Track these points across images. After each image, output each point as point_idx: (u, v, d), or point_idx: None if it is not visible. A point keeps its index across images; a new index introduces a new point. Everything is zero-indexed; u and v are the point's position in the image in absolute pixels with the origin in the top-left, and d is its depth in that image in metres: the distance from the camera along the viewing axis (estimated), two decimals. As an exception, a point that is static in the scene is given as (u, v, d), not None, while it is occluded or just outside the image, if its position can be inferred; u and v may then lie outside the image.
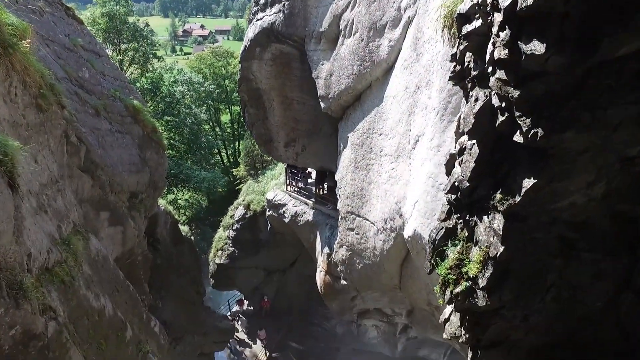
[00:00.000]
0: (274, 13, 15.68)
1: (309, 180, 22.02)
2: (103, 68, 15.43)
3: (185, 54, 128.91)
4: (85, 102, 12.45)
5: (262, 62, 17.29)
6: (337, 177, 14.81)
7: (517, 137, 3.55)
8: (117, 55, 38.71)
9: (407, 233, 10.62)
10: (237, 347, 26.03)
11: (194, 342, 17.26)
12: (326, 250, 16.97)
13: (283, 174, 23.71)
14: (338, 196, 14.88)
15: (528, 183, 3.59)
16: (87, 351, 6.60)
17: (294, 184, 22.45)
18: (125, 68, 40.09)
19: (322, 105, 14.74)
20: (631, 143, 3.27)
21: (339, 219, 15.06)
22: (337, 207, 15.30)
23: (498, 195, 3.94)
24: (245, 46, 17.42)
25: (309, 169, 21.91)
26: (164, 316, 15.50)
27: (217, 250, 27.23)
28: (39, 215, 7.06)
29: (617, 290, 4.17)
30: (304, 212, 20.31)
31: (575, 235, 3.97)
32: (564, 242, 4.04)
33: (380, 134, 12.08)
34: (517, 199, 3.71)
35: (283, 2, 15.17)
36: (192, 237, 28.68)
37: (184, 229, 24.27)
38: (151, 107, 37.29)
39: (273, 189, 23.69)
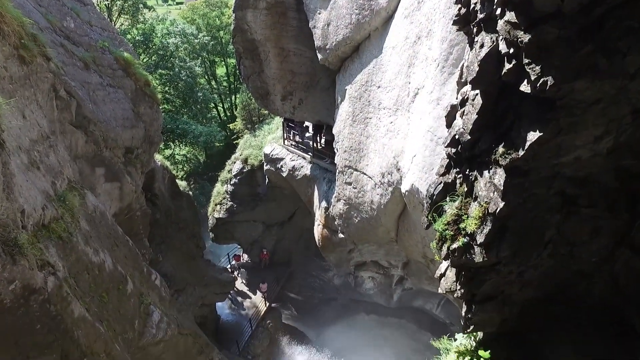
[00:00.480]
0: (268, -44, 14.78)
1: (307, 134, 21.76)
2: (89, 18, 14.73)
3: (178, 3, 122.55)
4: (73, 54, 11.98)
5: (256, 11, 16.51)
6: (334, 131, 14.58)
7: (524, 87, 3.32)
8: (105, 5, 36.95)
9: (404, 187, 10.60)
10: (238, 298, 26.84)
11: (195, 293, 17.77)
12: (324, 204, 17.06)
13: (280, 127, 23.39)
14: (335, 150, 14.73)
15: (533, 136, 3.39)
16: (89, 304, 6.73)
17: (291, 137, 22.21)
18: (114, 19, 38.40)
19: (320, 56, 14.23)
20: None
21: (337, 173, 15.01)
22: (335, 161, 15.20)
23: (500, 149, 3.75)
24: (239, -6, 16.57)
25: (307, 123, 21.58)
26: (165, 269, 15.84)
27: (216, 205, 27.43)
28: (31, 171, 6.95)
29: (614, 245, 4.13)
30: (302, 166, 20.25)
31: (577, 191, 3.86)
32: (565, 198, 3.94)
33: (379, 87, 11.74)
34: (521, 153, 3.52)
35: (277, -56, 14.25)
36: (191, 192, 28.81)
37: (182, 184, 24.32)
38: (144, 60, 36.13)
39: (270, 143, 23.47)
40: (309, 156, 20.18)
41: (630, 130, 3.36)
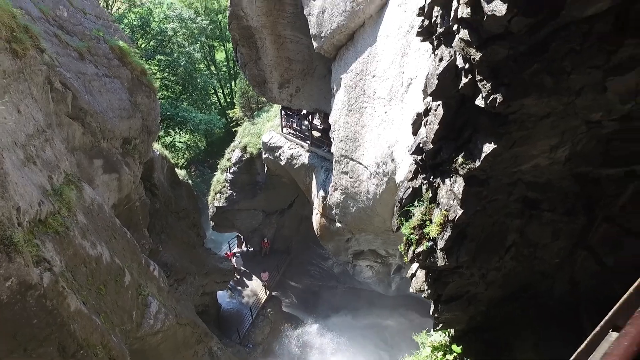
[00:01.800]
0: (263, -58, 14.52)
1: (305, 122, 21.70)
2: (83, 5, 14.60)
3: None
4: (67, 44, 11.94)
5: (252, -3, 16.31)
6: (330, 120, 14.55)
7: (479, 101, 3.40)
8: (102, -12, 36.47)
9: (398, 178, 10.64)
10: (237, 287, 27.05)
11: (195, 282, 17.95)
12: (321, 193, 17.13)
13: (278, 115, 23.32)
14: (332, 139, 14.72)
15: (488, 148, 3.51)
16: (86, 297, 6.89)
17: (289, 125, 22.15)
18: (111, 3, 37.92)
19: (315, 44, 14.09)
20: (593, 109, 3.14)
21: (333, 163, 15.03)
22: (332, 150, 15.21)
23: (460, 159, 3.88)
24: (234, -21, 16.35)
25: (304, 111, 21.50)
26: (165, 259, 16.02)
27: (216, 194, 27.54)
28: (27, 167, 7.04)
29: (573, 247, 4.26)
30: (300, 155, 20.24)
31: (538, 196, 3.98)
32: (526, 203, 4.05)
33: (374, 76, 11.67)
34: (477, 163, 3.66)
35: None
36: (191, 180, 28.85)
37: (181, 172, 24.36)
38: (142, 46, 35.81)
39: (268, 131, 23.41)
40: (307, 144, 20.14)
41: (586, 139, 3.44)
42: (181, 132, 40.22)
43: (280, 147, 21.49)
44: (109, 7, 37.72)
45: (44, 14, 11.56)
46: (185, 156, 45.34)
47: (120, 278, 8.54)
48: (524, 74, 3.02)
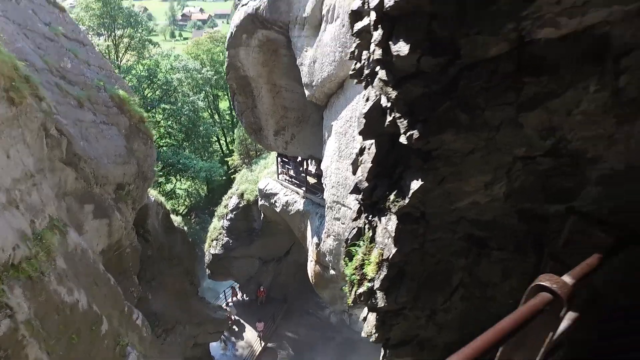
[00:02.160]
0: (258, -2, 15.36)
1: (300, 169, 21.86)
2: (87, 57, 15.23)
3: (185, 38, 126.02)
4: (67, 93, 12.31)
5: (249, 48, 16.99)
6: (322, 167, 14.64)
7: (402, 139, 3.42)
8: (113, 42, 38.28)
9: (388, 223, 10.49)
10: (231, 337, 26.07)
11: (185, 332, 17.31)
12: (315, 239, 16.90)
13: (275, 162, 23.56)
14: (324, 185, 14.73)
15: (415, 185, 3.50)
16: (53, 347, 6.59)
17: (285, 172, 22.29)
18: (120, 55, 39.66)
19: (307, 93, 14.49)
20: (514, 144, 3.12)
21: (326, 209, 14.94)
22: (324, 197, 15.17)
23: (392, 197, 3.85)
24: (232, 33, 17.10)
25: (300, 158, 21.73)
26: (154, 308, 15.55)
27: (212, 241, 27.27)
28: (7, 211, 6.99)
29: (525, 287, 4.08)
30: (295, 202, 20.18)
31: (485, 234, 3.87)
32: (473, 241, 3.93)
33: (363, 123, 11.85)
34: (406, 200, 3.61)
35: (267, -13, 14.83)
36: (186, 228, 28.55)
37: (177, 219, 24.22)
38: (148, 95, 36.98)
39: (265, 177, 23.55)
40: (302, 191, 20.15)
41: (524, 176, 3.38)
42: (182, 179, 40.55)
43: (275, 194, 21.50)
44: (119, 59, 39.48)
45: (48, 65, 12.03)
46: (186, 203, 45.40)
47: (97, 327, 8.23)
48: (438, 111, 3.04)
